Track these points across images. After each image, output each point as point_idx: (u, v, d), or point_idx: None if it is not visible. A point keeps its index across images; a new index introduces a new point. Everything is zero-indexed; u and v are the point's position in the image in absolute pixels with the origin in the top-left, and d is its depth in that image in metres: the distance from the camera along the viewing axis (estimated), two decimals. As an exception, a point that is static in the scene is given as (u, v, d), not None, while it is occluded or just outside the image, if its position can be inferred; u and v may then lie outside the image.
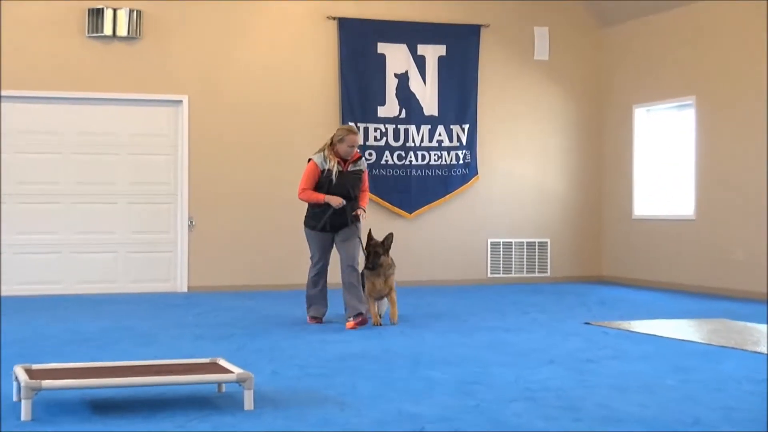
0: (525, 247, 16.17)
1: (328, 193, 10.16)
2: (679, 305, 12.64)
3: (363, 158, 10.59)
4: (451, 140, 15.69)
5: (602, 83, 16.69)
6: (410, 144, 15.47)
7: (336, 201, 10.10)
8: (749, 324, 10.38)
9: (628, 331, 9.87)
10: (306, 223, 10.45)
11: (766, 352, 8.35)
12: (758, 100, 13.62)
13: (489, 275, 15.99)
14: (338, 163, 10.21)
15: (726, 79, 14.27)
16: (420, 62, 15.60)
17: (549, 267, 16.30)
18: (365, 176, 10.55)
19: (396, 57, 15.49)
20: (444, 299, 13.31)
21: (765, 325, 10.29)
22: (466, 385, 6.73)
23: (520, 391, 6.48)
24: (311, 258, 10.53)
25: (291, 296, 13.27)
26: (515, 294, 13.98)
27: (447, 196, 15.70)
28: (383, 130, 15.37)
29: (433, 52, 15.67)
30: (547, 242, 16.29)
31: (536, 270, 16.22)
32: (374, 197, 15.22)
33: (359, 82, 15.30)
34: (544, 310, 11.82)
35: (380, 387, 6.63)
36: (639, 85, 15.95)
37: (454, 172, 15.70)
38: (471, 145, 15.81)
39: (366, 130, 15.26)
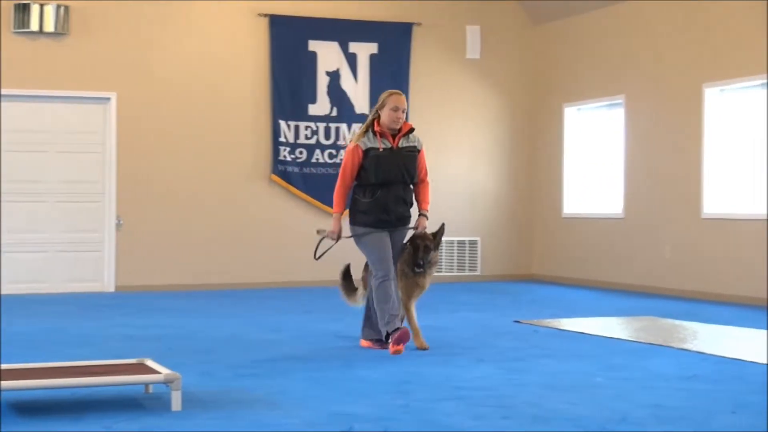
0: (456, 245, 16.20)
1: (377, 179, 8.23)
2: (609, 303, 12.75)
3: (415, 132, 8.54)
4: (382, 139, 15.66)
5: (533, 82, 16.78)
6: (341, 142, 15.42)
7: (332, 230, 8.45)
8: (677, 321, 10.49)
9: (558, 329, 9.92)
10: (351, 219, 8.41)
11: (693, 349, 8.44)
12: (687, 100, 13.78)
13: (420, 274, 15.98)
14: (385, 138, 8.30)
15: (655, 79, 14.41)
16: (352, 60, 15.57)
17: (479, 266, 16.35)
18: (423, 156, 8.59)
19: (327, 55, 15.44)
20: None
21: (693, 323, 10.40)
22: (397, 384, 6.71)
23: (450, 390, 6.47)
24: (368, 262, 8.50)
25: (222, 296, 13.20)
26: (446, 293, 13.99)
27: (378, 195, 15.66)
28: (314, 129, 15.30)
29: (364, 50, 15.64)
30: (477, 241, 16.34)
31: (467, 269, 16.27)
32: (305, 196, 15.19)
33: (290, 79, 15.23)
34: (475, 309, 11.86)
35: (311, 387, 6.59)
36: (569, 83, 16.07)
37: (386, 170, 15.66)
38: (402, 143, 15.80)
39: (297, 128, 15.19)
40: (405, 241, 8.54)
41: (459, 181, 16.28)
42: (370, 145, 8.23)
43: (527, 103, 16.77)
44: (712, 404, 6.05)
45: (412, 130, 8.41)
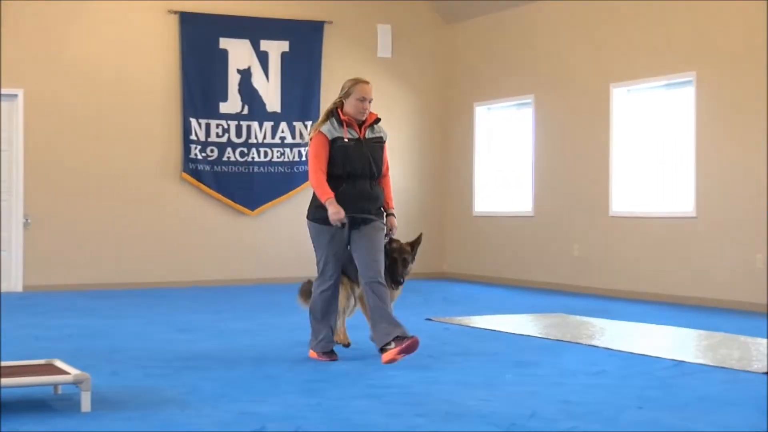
0: (368, 243, 16.22)
1: (343, 171, 7.65)
2: (519, 301, 12.88)
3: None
4: (294, 137, 15.64)
5: (444, 81, 16.88)
6: (253, 141, 15.36)
7: (336, 211, 7.52)
8: (585, 318, 10.63)
9: (469, 326, 10.00)
10: (312, 215, 7.83)
11: (601, 345, 8.56)
12: (595, 99, 13.97)
13: (332, 272, 15.98)
14: (352, 128, 7.77)
15: (564, 78, 14.60)
16: (263, 58, 15.52)
17: (391, 264, 16.38)
18: (385, 149, 8.07)
19: (238, 52, 15.37)
20: (286, 297, 13.26)
21: (601, 320, 10.55)
22: (310, 383, 6.72)
23: (363, 389, 6.50)
24: (319, 266, 7.89)
25: (132, 295, 13.08)
26: (358, 291, 14.02)
27: (290, 193, 15.63)
28: (225, 127, 15.22)
29: (276, 48, 15.60)
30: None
31: (379, 267, 16.29)
32: (216, 194, 15.10)
33: (201, 77, 15.13)
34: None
35: (223, 386, 6.56)
36: (480, 83, 16.19)
37: (297, 169, 15.65)
38: (314, 142, 15.77)
39: (208, 126, 15.09)
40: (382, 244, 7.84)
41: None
42: (336, 134, 7.67)
43: (438, 101, 16.87)
44: (619, 399, 6.15)
45: (377, 120, 7.97)
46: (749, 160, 11.97)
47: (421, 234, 8.58)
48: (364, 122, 7.82)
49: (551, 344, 8.73)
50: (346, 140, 7.67)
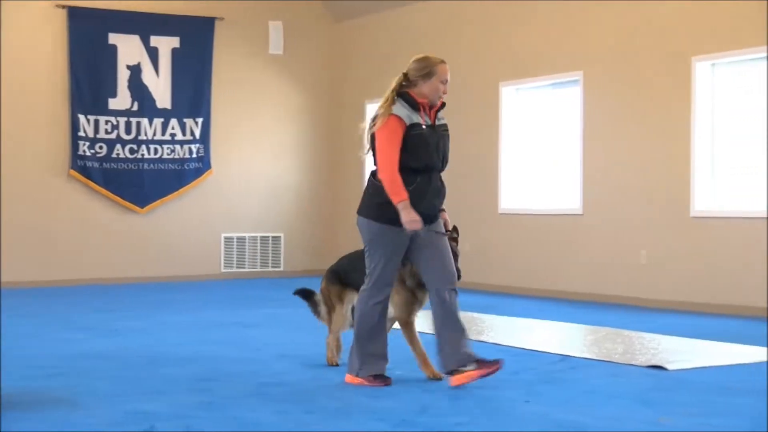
0: (259, 241, 16.21)
1: (420, 163, 6.56)
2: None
3: None
4: (184, 134, 15.52)
5: (335, 78, 16.92)
6: (143, 137, 15.20)
7: (413, 220, 6.41)
8: (475, 314, 10.74)
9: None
10: (374, 213, 6.62)
11: (490, 341, 8.68)
12: (485, 98, 14.14)
13: (223, 270, 15.93)
14: (425, 112, 6.76)
15: (454, 77, 14.68)
16: (153, 54, 15.36)
17: (282, 261, 16.40)
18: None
19: (128, 48, 15.19)
20: (178, 295, 13.19)
21: (490, 315, 10.69)
22: (201, 381, 6.69)
23: (254, 386, 6.49)
24: (373, 273, 6.63)
25: (19, 295, 12.86)
26: (249, 289, 14.00)
27: (180, 191, 15.53)
28: (114, 123, 15.04)
29: (166, 44, 15.46)
30: (280, 236, 16.38)
31: (270, 264, 16.29)
32: (105, 192, 14.92)
33: (90, 73, 14.92)
34: (278, 305, 11.87)
35: (115, 386, 6.50)
36: (371, 80, 16.25)
37: (188, 166, 15.55)
38: (205, 138, 15.70)
39: (96, 122, 14.90)
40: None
41: (262, 176, 16.28)
42: (414, 119, 6.62)
43: (329, 99, 16.90)
44: (508, 394, 6.25)
45: (443, 105, 6.95)
46: (634, 158, 12.24)
47: (455, 227, 7.16)
48: (432, 107, 6.81)
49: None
50: (424, 127, 6.63)
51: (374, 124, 6.71)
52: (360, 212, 6.69)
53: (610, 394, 6.29)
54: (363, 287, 6.65)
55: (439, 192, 6.71)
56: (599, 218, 12.63)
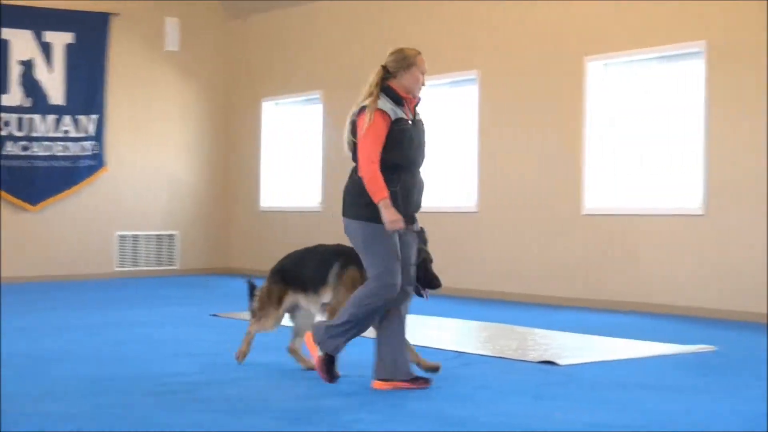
0: (154, 239, 16.05)
1: (405, 160, 6.49)
2: (306, 295, 12.96)
3: None
4: (78, 131, 15.31)
5: (232, 76, 16.84)
6: (35, 134, 14.95)
7: (395, 219, 6.33)
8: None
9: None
10: (366, 215, 6.44)
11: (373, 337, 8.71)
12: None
13: (117, 269, 15.74)
14: (408, 107, 6.61)
15: (352, 75, 14.76)
16: (46, 50, 15.11)
17: (178, 259, 16.26)
18: None
19: (20, 43, 14.92)
20: (72, 294, 13.00)
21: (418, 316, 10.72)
22: (95, 382, 6.60)
23: (149, 386, 6.42)
24: (380, 277, 6.31)
25: None
26: (144, 287, 13.86)
27: (74, 188, 15.31)
28: (6, 120, 14.76)
29: (60, 40, 15.22)
30: (175, 234, 16.25)
31: (164, 263, 16.15)
32: (-4, 189, 14.67)
33: (-20, 68, 14.66)
34: (173, 303, 11.80)
35: (5, 387, 6.37)
36: (268, 78, 16.22)
37: (82, 163, 15.33)
38: (99, 135, 15.49)
39: (-13, 118, 14.64)
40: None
41: (158, 174, 16.14)
42: (399, 114, 6.44)
43: (226, 96, 16.82)
44: (404, 391, 6.28)
45: (419, 100, 6.75)
46: (529, 156, 12.40)
47: (422, 229, 7.01)
48: (413, 101, 6.67)
49: (354, 339, 8.82)
50: (409, 122, 6.49)
51: (357, 118, 6.49)
52: (348, 215, 6.48)
53: (504, 390, 6.36)
54: (369, 293, 6.27)
55: (422, 189, 6.65)
56: (495, 216, 12.76)
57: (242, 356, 7.19)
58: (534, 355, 7.72)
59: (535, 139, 12.33)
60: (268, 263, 15.88)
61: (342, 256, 6.98)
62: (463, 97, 13.37)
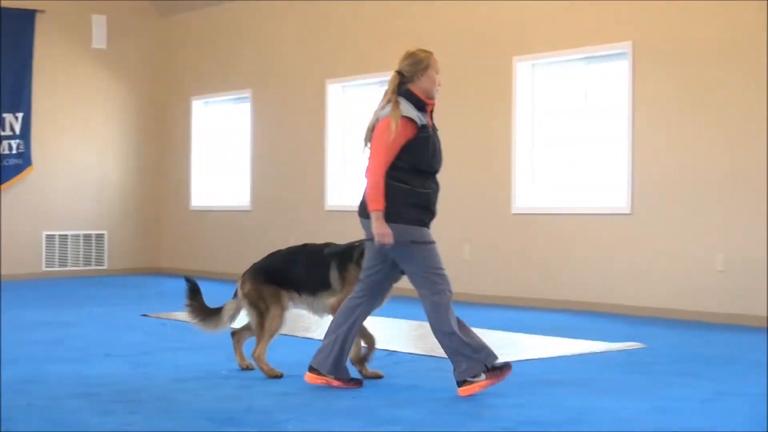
0: (82, 239, 15.89)
1: (430, 166, 6.35)
2: (236, 295, 12.93)
3: None
4: (3, 129, 15.10)
5: (161, 74, 16.72)
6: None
7: (386, 233, 6.29)
8: (301, 311, 10.77)
9: (185, 322, 9.92)
10: (405, 217, 6.31)
11: (317, 337, 8.72)
12: (311, 95, 14.20)
13: (44, 269, 15.56)
14: (427, 113, 6.42)
15: (281, 74, 14.75)
16: (-31, 47, 14.91)
17: (106, 259, 16.11)
18: None
19: (-57, 40, 14.71)
20: (6, 297, 12.83)
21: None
22: (19, 384, 6.52)
23: (76, 387, 6.37)
24: (440, 278, 6.39)
25: None
26: (72, 287, 13.71)
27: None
28: (-71, 118, 14.54)
29: (-16, 37, 15.02)
30: (104, 234, 16.09)
31: (93, 262, 15.99)
32: None
33: None
34: (102, 304, 11.70)
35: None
36: (197, 77, 16.14)
37: (7, 162, 15.12)
38: (25, 134, 15.29)
39: None
40: None
41: (87, 173, 15.98)
42: (424, 120, 6.29)
43: (155, 94, 16.69)
44: (334, 390, 6.30)
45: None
46: (457, 155, 12.44)
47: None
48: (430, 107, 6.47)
49: (268, 338, 8.82)
50: (430, 129, 6.37)
51: (377, 124, 6.32)
52: (389, 219, 6.28)
53: (434, 388, 6.41)
54: (433, 297, 6.31)
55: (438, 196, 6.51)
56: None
57: (273, 373, 6.82)
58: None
59: (463, 139, 12.39)
60: (199, 262, 15.97)
61: (334, 256, 6.96)
62: (392, 96, 13.39)
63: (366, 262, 6.55)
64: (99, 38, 16.08)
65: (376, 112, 6.43)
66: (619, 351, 8.05)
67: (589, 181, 11.54)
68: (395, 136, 6.16)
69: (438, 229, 12.54)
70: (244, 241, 15.24)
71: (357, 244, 7.02)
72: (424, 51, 6.48)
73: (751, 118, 9.99)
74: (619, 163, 11.15)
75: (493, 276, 12.09)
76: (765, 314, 9.76)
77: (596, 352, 7.93)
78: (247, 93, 15.29)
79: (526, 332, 9.17)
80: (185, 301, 7.16)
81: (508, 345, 8.33)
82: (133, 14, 16.45)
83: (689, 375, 6.94)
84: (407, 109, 6.23)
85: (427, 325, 9.56)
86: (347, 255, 6.90)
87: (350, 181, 13.94)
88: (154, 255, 16.72)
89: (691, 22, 10.49)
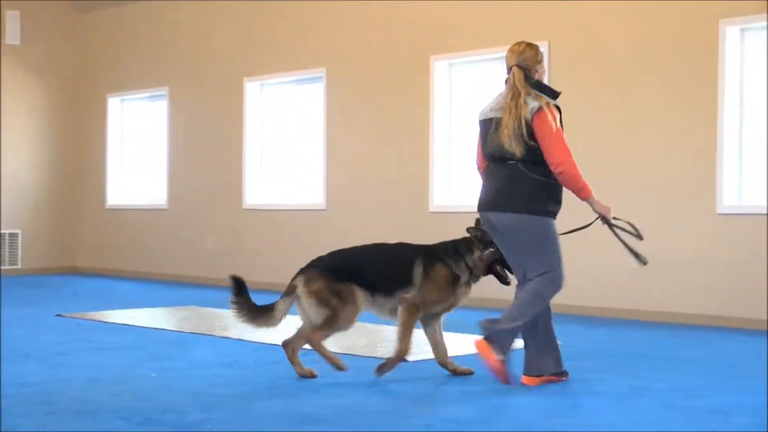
0: (-5, 238, 15.67)
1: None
2: (154, 294, 12.85)
3: None
4: None
5: (77, 71, 16.53)
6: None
7: (607, 207, 6.47)
8: (219, 310, 10.74)
9: (102, 321, 9.87)
10: (546, 209, 6.40)
11: (234, 336, 8.69)
12: (229, 92, 14.15)
13: (-45, 269, 15.32)
14: None
15: (198, 71, 14.67)
16: None
17: (20, 259, 15.88)
18: None
19: None
20: None
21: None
22: (-67, 385, 6.43)
23: (-9, 389, 6.29)
24: (552, 271, 6.43)
25: None
26: (-15, 287, 13.52)
27: None
28: None
29: None
30: (18, 233, 15.86)
31: (6, 262, 15.76)
32: None
33: None
34: (16, 304, 11.53)
35: None
36: (113, 74, 15.99)
37: None
38: (-64, 132, 15.04)
39: None
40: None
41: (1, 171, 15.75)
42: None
43: (71, 92, 16.50)
44: (252, 389, 6.30)
45: None
46: (377, 154, 12.50)
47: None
48: None
49: (185, 337, 8.79)
50: None
51: (535, 118, 6.27)
52: (520, 210, 6.34)
53: (353, 386, 6.42)
54: (541, 293, 6.41)
55: None
56: (343, 213, 12.84)
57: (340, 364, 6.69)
58: (383, 352, 7.80)
59: (382, 137, 12.44)
60: (115, 262, 15.83)
61: (420, 254, 6.77)
62: (310, 95, 13.41)
63: (549, 253, 6.42)
64: (12, 34, 15.84)
65: (495, 109, 6.49)
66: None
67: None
68: (559, 123, 6.27)
69: (356, 228, 12.60)
70: (160, 239, 15.14)
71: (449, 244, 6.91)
72: (531, 43, 6.51)
73: (670, 115, 10.17)
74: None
75: (411, 274, 12.14)
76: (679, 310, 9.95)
77: (513, 350, 7.98)
78: (163, 90, 15.17)
79: (448, 330, 9.21)
80: (232, 299, 6.81)
81: (425, 343, 8.37)
82: (48, 10, 16.24)
83: (606, 371, 7.04)
84: (547, 98, 6.33)
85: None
86: (431, 253, 6.77)
87: (269, 179, 13.91)
88: (69, 254, 16.52)
89: (607, 22, 10.64)
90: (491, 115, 6.50)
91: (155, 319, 10.14)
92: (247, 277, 13.57)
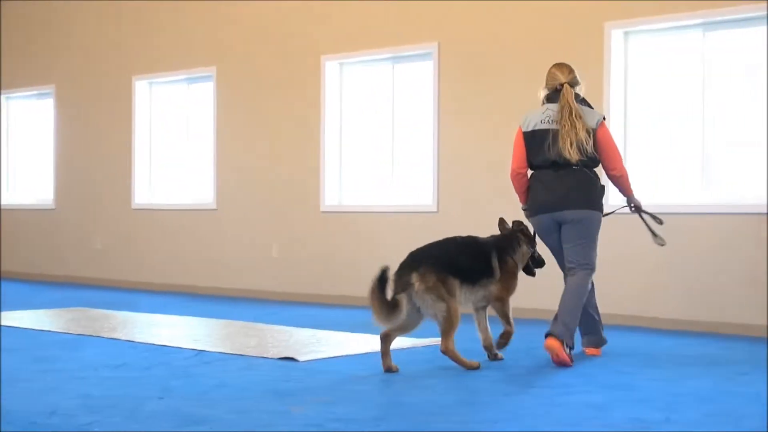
0: None
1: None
2: (41, 295, 12.65)
3: None
4: None
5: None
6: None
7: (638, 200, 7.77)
8: (107, 311, 10.63)
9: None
10: (599, 207, 7.42)
11: (123, 338, 8.61)
12: (117, 92, 14.00)
13: None
14: None
15: (86, 70, 14.49)
16: None
17: None
18: None
19: None
20: None
21: (123, 312, 10.60)
22: None
23: None
24: (595, 259, 7.46)
25: None
26: None
27: None
28: None
29: None
30: None
31: None
32: None
33: None
34: None
35: None
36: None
37: None
38: None
39: None
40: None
41: None
42: None
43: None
44: (141, 391, 6.23)
45: None
46: (266, 154, 12.48)
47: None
48: None
49: (72, 339, 8.67)
50: None
51: (599, 129, 7.24)
52: (591, 207, 7.26)
53: (242, 386, 6.40)
54: (584, 275, 7.23)
55: None
56: (232, 213, 12.79)
57: (472, 364, 6.99)
58: (274, 352, 7.79)
59: (272, 137, 12.41)
60: (3, 263, 15.46)
61: (492, 247, 7.28)
62: (199, 94, 13.33)
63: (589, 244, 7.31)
64: None
65: (546, 122, 7.26)
66: (425, 346, 8.19)
67: (396, 179, 11.71)
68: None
69: (247, 228, 12.57)
70: (48, 240, 14.91)
71: (509, 235, 7.45)
72: (567, 64, 7.44)
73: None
74: (424, 162, 11.37)
75: (300, 274, 12.14)
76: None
77: (404, 348, 8.04)
78: (50, 89, 14.94)
79: (333, 329, 9.25)
80: (375, 292, 6.80)
81: (316, 342, 8.40)
82: None
83: (496, 368, 7.13)
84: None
85: (234, 324, 9.59)
86: (499, 246, 7.32)
87: (158, 179, 13.78)
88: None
89: (495, 24, 10.76)
90: (545, 126, 7.26)
91: (42, 321, 9.97)
92: (136, 277, 13.52)
